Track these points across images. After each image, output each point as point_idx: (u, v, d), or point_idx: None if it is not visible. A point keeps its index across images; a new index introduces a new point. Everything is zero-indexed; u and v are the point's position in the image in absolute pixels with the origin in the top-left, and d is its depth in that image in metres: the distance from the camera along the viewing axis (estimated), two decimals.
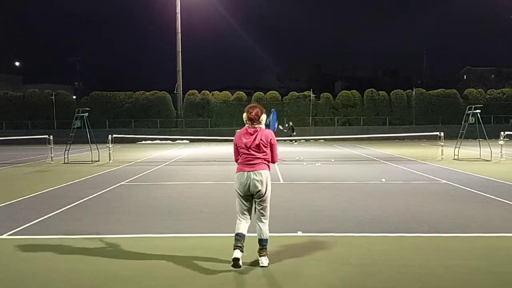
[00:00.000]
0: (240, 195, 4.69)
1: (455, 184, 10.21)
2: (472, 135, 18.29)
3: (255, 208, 4.73)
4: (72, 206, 8.08)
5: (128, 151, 22.72)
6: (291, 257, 4.99)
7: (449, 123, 34.37)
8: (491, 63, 63.18)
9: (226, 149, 23.90)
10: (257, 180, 4.58)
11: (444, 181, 10.73)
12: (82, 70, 67.74)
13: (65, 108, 36.01)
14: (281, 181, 11.09)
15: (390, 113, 36.55)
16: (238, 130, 4.85)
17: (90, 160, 16.97)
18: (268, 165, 4.72)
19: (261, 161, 4.64)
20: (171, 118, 36.66)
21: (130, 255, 5.09)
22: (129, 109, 36.75)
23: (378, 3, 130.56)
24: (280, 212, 7.36)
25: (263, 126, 4.74)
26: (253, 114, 4.65)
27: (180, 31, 35.33)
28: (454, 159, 16.17)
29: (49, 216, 7.24)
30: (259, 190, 4.59)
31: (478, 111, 16.23)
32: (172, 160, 17.57)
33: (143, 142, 31.54)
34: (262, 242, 4.70)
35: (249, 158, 4.64)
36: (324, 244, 5.49)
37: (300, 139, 29.93)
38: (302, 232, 6.03)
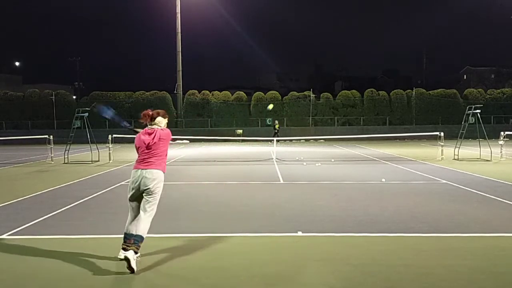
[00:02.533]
0: (131, 191, 4.83)
1: (455, 184, 10.21)
2: (472, 135, 18.29)
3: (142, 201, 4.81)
4: (72, 206, 8.08)
5: (128, 151, 22.70)
6: (291, 257, 4.99)
7: (449, 123, 34.40)
8: (491, 63, 63.24)
9: (226, 149, 23.92)
10: (148, 179, 4.73)
11: (444, 181, 10.73)
12: (82, 70, 67.62)
13: (65, 108, 36.04)
14: (281, 181, 11.09)
15: (390, 113, 36.58)
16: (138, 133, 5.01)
17: (90, 160, 16.98)
18: (163, 165, 4.89)
19: (155, 160, 4.81)
20: (171, 118, 36.65)
21: None
22: (129, 109, 36.74)
23: (378, 3, 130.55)
24: (280, 212, 7.37)
25: (159, 127, 4.93)
26: (150, 112, 4.96)
27: (180, 31, 35.33)
28: (454, 159, 16.17)
29: (49, 216, 7.24)
30: (148, 188, 4.73)
31: (478, 111, 16.23)
32: (172, 160, 17.57)
33: None
34: (135, 237, 4.63)
35: (144, 157, 4.83)
36: (324, 244, 5.49)
37: (300, 139, 29.91)
38: (302, 232, 6.03)
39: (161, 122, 4.99)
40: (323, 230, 6.19)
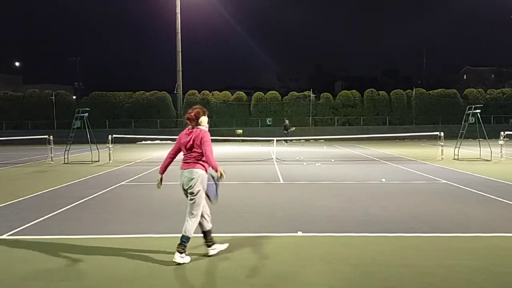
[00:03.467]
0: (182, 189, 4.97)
1: (455, 184, 10.21)
2: (472, 135, 18.29)
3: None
4: (72, 206, 8.08)
5: (128, 151, 22.72)
6: (291, 257, 4.99)
7: (449, 123, 34.37)
8: (491, 63, 63.24)
9: (226, 149, 23.92)
10: (189, 178, 4.82)
11: (444, 181, 10.73)
12: (82, 70, 67.64)
13: (65, 108, 35.98)
14: (281, 181, 11.09)
15: (390, 113, 36.55)
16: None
17: (90, 160, 16.98)
18: (203, 165, 4.88)
19: (195, 160, 4.86)
20: (171, 118, 36.65)
21: (130, 255, 5.09)
22: (129, 109, 36.72)
23: (378, 3, 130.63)
24: (280, 212, 7.37)
25: (203, 127, 4.94)
26: (192, 114, 4.89)
27: (180, 31, 35.31)
28: (454, 159, 16.17)
29: (49, 216, 7.24)
30: (190, 186, 4.81)
31: (478, 111, 16.23)
32: None
33: (143, 142, 31.53)
34: (182, 238, 4.79)
35: (185, 158, 4.93)
36: (324, 244, 5.49)
37: (300, 139, 29.90)
38: (302, 232, 6.04)
39: (204, 121, 4.98)
40: (323, 230, 6.19)
